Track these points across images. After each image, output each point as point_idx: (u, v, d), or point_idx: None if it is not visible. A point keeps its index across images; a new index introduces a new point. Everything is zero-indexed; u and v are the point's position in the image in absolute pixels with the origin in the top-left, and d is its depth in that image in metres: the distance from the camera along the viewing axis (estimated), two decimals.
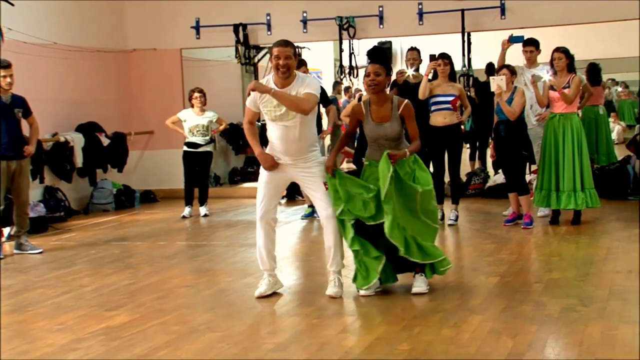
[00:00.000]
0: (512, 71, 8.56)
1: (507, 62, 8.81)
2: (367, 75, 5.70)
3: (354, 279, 5.82)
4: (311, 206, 9.76)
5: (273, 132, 5.78)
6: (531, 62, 9.12)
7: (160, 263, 7.57)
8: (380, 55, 5.75)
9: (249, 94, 5.68)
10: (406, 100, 5.80)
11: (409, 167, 5.70)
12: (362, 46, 13.95)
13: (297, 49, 5.71)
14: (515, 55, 9.23)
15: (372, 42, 13.70)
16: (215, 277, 6.80)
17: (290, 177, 5.87)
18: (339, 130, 14.56)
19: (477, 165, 12.60)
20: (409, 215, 5.66)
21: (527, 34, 9.33)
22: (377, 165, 5.68)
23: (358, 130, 6.31)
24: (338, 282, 5.86)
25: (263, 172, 5.88)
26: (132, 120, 12.91)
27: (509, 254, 7.19)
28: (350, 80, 12.94)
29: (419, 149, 5.78)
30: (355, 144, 8.94)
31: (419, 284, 5.79)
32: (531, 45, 9.07)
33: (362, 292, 5.74)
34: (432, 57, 8.74)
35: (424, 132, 8.49)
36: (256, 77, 15.18)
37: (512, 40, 9.03)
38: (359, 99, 6.00)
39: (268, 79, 5.73)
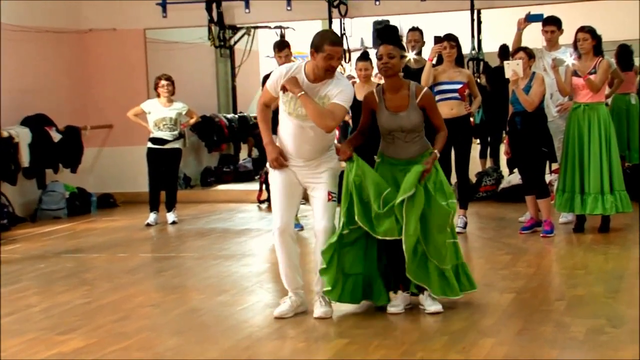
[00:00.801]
0: (530, 54, 8.57)
1: (523, 44, 8.82)
2: (379, 58, 5.76)
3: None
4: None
5: (286, 127, 5.77)
6: (552, 43, 9.14)
7: (121, 278, 7.52)
8: (393, 35, 5.88)
9: (283, 90, 5.61)
10: (425, 88, 5.92)
11: (435, 174, 5.73)
12: (355, 27, 13.97)
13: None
14: (534, 36, 9.25)
15: (367, 22, 13.72)
16: (185, 295, 6.77)
17: (300, 179, 5.84)
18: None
19: (488, 163, 12.62)
20: (431, 233, 5.67)
21: (547, 11, 9.36)
22: (392, 163, 5.76)
23: (351, 123, 6.33)
24: (324, 301, 5.85)
25: (276, 175, 5.84)
26: (88, 112, 12.86)
27: (527, 267, 7.19)
28: (342, 66, 12.94)
29: (445, 141, 5.88)
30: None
31: (430, 303, 5.79)
32: (552, 24, 9.09)
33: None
34: (437, 39, 8.74)
35: (434, 134, 8.55)
36: (232, 62, 15.24)
37: (530, 19, 9.04)
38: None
39: (300, 66, 5.71)
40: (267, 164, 5.93)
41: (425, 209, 5.64)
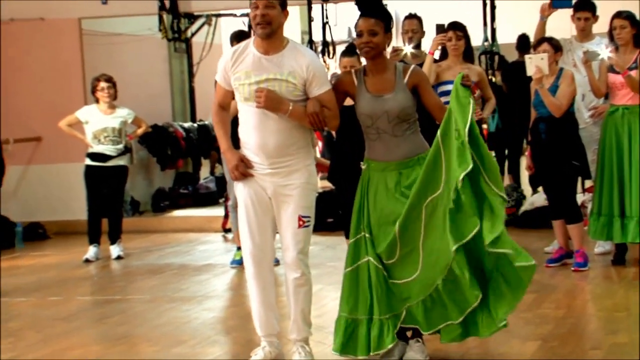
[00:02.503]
0: (556, 47, 8.63)
1: (547, 34, 8.88)
2: (358, 34, 5.70)
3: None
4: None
5: (246, 120, 5.76)
6: (585, 33, 9.19)
7: (53, 328, 7.48)
8: (376, 3, 5.75)
9: (262, 102, 5.59)
10: (413, 65, 5.86)
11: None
12: (340, 13, 14.05)
13: (286, 2, 5.75)
14: (560, 24, 9.30)
15: (354, 8, 13.79)
16: (133, 347, 6.75)
17: (268, 192, 5.81)
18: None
19: (507, 181, 12.67)
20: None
21: None
22: (382, 169, 5.68)
23: (335, 134, 6.30)
24: (304, 351, 5.86)
25: (240, 189, 5.84)
26: (9, 122, 12.83)
27: (555, 308, 7.21)
28: (324, 60, 12.98)
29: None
30: (329, 154, 8.98)
31: (415, 353, 5.78)
32: (586, 9, 9.13)
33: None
34: (440, 28, 8.78)
35: (429, 133, 8.53)
36: (189, 58, 15.25)
37: (556, 4, 9.09)
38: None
39: (247, 42, 5.77)
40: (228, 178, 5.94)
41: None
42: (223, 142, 5.84)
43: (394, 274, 5.63)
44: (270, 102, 5.58)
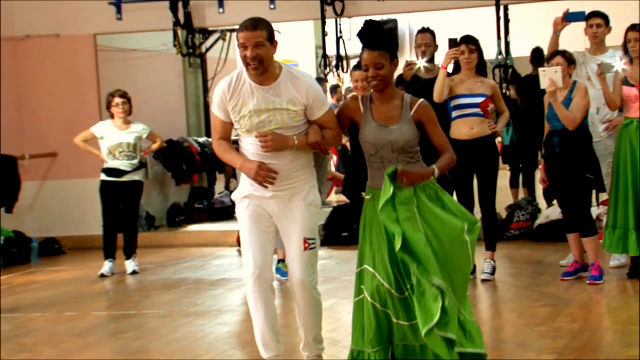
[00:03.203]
0: (570, 60, 8.62)
1: (560, 47, 8.87)
2: (364, 68, 5.61)
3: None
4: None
5: (247, 148, 5.74)
6: (598, 42, 9.19)
7: (69, 343, 7.50)
8: (378, 34, 5.63)
9: (269, 147, 5.56)
10: (422, 100, 5.78)
11: (434, 193, 5.62)
12: (354, 28, 14.04)
13: (274, 32, 5.69)
14: (573, 38, 9.29)
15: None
16: None
17: (270, 213, 5.81)
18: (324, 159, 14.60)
19: (521, 194, 12.64)
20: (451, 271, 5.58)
21: (590, 8, 9.40)
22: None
23: (349, 146, 6.28)
24: None
25: (241, 209, 5.82)
26: (26, 137, 12.89)
27: (570, 322, 7.19)
28: (339, 76, 13.01)
29: (453, 165, 5.72)
30: (344, 168, 8.97)
31: None
32: (597, 16, 9.14)
33: None
34: (452, 42, 8.78)
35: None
36: (204, 73, 15.30)
37: (569, 17, 9.09)
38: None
39: (240, 72, 5.71)
40: (233, 195, 5.91)
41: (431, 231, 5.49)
42: (236, 161, 5.74)
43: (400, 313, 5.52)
44: (277, 144, 5.56)
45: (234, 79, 5.69)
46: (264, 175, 5.60)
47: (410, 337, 5.46)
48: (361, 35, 5.59)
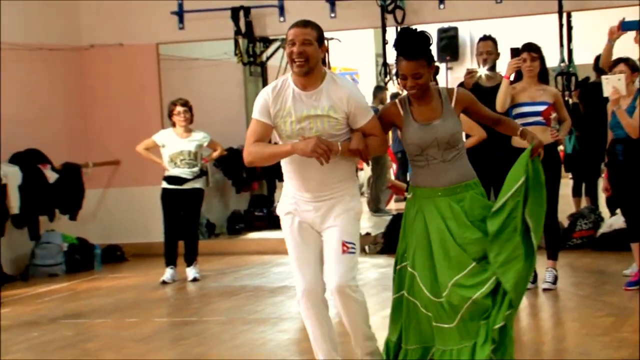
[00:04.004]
0: (633, 67, 8.56)
1: (617, 55, 8.80)
2: (403, 77, 5.60)
3: None
4: None
5: (289, 159, 5.71)
6: None
7: (131, 348, 7.57)
8: (415, 42, 5.58)
9: (313, 150, 5.44)
10: (456, 87, 5.74)
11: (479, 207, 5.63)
12: None
13: (324, 35, 5.68)
14: (627, 47, 9.21)
15: (430, 30, 13.79)
16: None
17: (311, 224, 5.78)
18: (384, 156, 14.58)
19: (584, 203, 12.53)
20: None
21: None
22: (429, 194, 5.58)
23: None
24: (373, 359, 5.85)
25: (285, 225, 5.82)
26: (90, 146, 13.04)
27: (633, 332, 7.09)
28: (399, 84, 12.98)
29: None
30: (403, 176, 8.96)
31: None
32: None
33: None
34: (514, 52, 8.73)
35: (503, 157, 8.50)
36: (264, 82, 15.35)
37: (625, 27, 9.02)
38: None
39: (285, 79, 5.70)
40: (277, 210, 5.90)
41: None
42: (284, 148, 5.62)
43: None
44: (318, 147, 5.44)
45: (279, 84, 5.68)
46: (325, 149, 5.45)
47: (451, 341, 5.46)
48: (398, 44, 5.55)
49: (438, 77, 9.69)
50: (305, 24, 5.60)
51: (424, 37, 5.52)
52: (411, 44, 5.51)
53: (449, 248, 5.50)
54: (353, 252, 5.66)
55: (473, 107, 5.70)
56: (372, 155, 5.77)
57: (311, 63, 5.53)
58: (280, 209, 5.88)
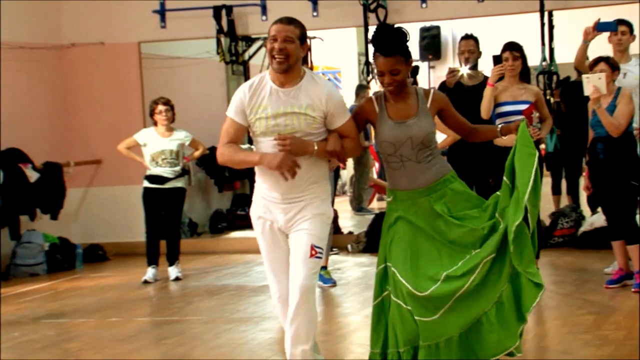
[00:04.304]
0: (613, 66, 8.58)
1: (592, 55, 8.84)
2: (380, 74, 5.57)
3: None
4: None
5: (264, 151, 5.63)
6: (621, 52, 9.17)
7: (113, 348, 7.56)
8: (391, 39, 5.55)
9: (279, 167, 5.42)
10: (432, 88, 5.72)
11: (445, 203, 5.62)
12: None
13: (306, 34, 5.67)
14: (601, 46, 9.25)
15: (412, 29, 13.80)
16: None
17: (284, 226, 5.70)
18: (366, 155, 14.59)
19: (565, 201, 12.57)
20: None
21: (627, 14, 9.38)
22: (409, 197, 5.56)
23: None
24: None
25: (258, 234, 5.78)
26: (71, 145, 13.01)
27: (615, 330, 7.14)
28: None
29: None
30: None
31: None
32: (622, 24, 9.12)
33: None
34: (496, 59, 8.72)
35: (485, 156, 8.48)
36: (247, 80, 15.28)
37: (600, 27, 9.04)
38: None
39: (263, 76, 5.67)
40: (250, 213, 5.83)
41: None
42: (253, 156, 5.61)
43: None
44: (297, 147, 5.46)
45: (256, 81, 5.65)
46: (292, 165, 5.44)
47: (435, 334, 5.44)
48: (375, 41, 5.52)
49: (419, 76, 9.71)
50: (289, 21, 5.60)
51: (401, 33, 5.50)
52: (388, 40, 5.48)
53: (438, 246, 5.50)
54: (319, 257, 5.64)
55: (448, 110, 5.69)
56: (347, 158, 5.76)
57: (291, 61, 5.51)
58: (252, 213, 5.83)
